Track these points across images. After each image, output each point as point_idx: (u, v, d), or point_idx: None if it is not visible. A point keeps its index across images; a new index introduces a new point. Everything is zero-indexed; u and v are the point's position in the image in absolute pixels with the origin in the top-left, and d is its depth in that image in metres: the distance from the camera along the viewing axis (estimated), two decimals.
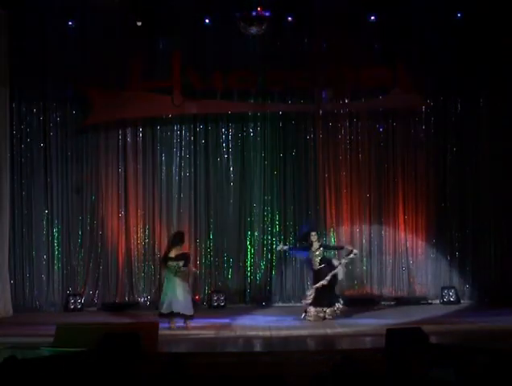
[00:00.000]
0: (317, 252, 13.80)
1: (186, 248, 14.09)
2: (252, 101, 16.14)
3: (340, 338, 12.05)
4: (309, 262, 14.02)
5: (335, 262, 13.84)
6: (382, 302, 15.71)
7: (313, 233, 14.00)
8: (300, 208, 16.12)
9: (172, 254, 13.03)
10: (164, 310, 12.95)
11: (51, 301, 15.74)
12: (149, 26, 15.38)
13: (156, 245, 15.87)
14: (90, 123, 15.93)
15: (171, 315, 12.92)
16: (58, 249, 15.82)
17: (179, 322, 12.99)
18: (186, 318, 12.98)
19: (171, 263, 12.95)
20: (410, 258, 15.96)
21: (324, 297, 13.55)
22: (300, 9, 15.43)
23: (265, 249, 16.01)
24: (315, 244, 13.84)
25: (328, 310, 13.54)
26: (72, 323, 12.79)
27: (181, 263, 12.93)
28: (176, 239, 13.42)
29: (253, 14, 14.72)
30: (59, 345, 10.86)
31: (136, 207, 16.01)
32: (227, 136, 16.20)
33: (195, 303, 14.75)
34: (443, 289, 15.64)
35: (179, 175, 16.11)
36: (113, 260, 15.92)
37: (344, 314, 13.79)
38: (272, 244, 15.99)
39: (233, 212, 16.09)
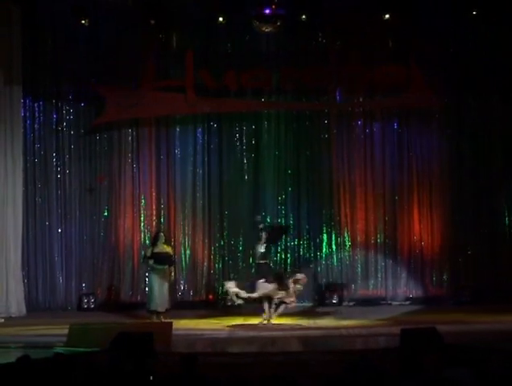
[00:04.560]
0: (260, 246, 13.57)
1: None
2: (265, 100, 16.11)
3: (354, 338, 11.98)
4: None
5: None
6: (396, 302, 15.66)
7: (262, 226, 13.93)
8: (314, 207, 16.07)
9: (148, 253, 13.77)
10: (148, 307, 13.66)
11: (64, 300, 15.74)
12: (162, 24, 15.39)
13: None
14: (103, 122, 15.93)
15: (155, 313, 13.47)
16: (72, 249, 15.82)
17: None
18: (159, 314, 13.47)
19: (149, 262, 13.68)
20: (424, 258, 15.87)
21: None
22: (314, 7, 15.37)
23: (279, 248, 15.94)
24: (263, 239, 13.58)
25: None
26: (86, 323, 12.76)
27: (151, 261, 13.61)
28: (153, 239, 14.17)
29: (267, 12, 14.72)
30: (73, 345, 10.82)
31: (150, 206, 15.98)
32: (241, 135, 16.18)
33: (208, 302, 14.75)
34: (457, 288, 15.56)
35: (193, 174, 16.09)
36: (127, 260, 15.90)
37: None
38: (286, 242, 15.93)
39: (246, 211, 16.02)
